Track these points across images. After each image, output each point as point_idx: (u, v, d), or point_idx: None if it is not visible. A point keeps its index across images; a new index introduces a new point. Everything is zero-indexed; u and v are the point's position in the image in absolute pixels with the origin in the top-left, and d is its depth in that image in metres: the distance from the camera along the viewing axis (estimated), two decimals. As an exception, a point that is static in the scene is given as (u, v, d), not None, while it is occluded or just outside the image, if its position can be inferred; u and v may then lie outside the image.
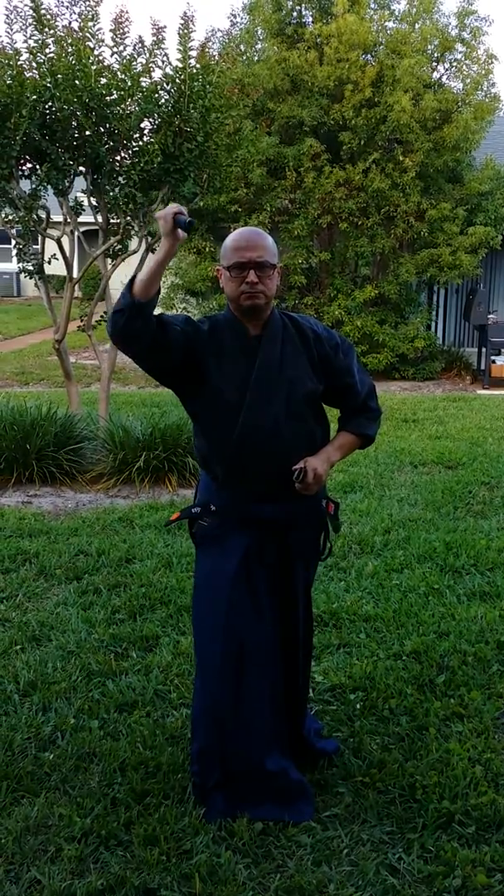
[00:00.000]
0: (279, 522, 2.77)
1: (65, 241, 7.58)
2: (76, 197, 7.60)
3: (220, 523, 2.80)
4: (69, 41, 6.87)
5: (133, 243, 8.11)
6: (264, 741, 2.79)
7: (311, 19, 13.13)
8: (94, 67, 6.83)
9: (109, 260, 7.82)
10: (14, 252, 7.74)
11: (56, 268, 8.05)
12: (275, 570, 2.82)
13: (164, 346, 2.61)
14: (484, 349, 12.81)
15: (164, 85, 7.07)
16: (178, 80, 7.01)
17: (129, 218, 7.45)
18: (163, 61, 7.10)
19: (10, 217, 7.55)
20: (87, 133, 6.95)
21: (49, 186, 7.22)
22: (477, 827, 2.74)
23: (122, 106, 6.95)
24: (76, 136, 7.05)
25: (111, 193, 7.27)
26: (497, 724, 3.35)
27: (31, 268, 7.47)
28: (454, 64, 13.34)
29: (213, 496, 2.83)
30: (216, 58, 7.67)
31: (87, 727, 3.27)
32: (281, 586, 2.84)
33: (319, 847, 2.65)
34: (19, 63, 6.81)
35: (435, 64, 13.34)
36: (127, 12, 7.03)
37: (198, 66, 7.09)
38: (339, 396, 2.88)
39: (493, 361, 12.49)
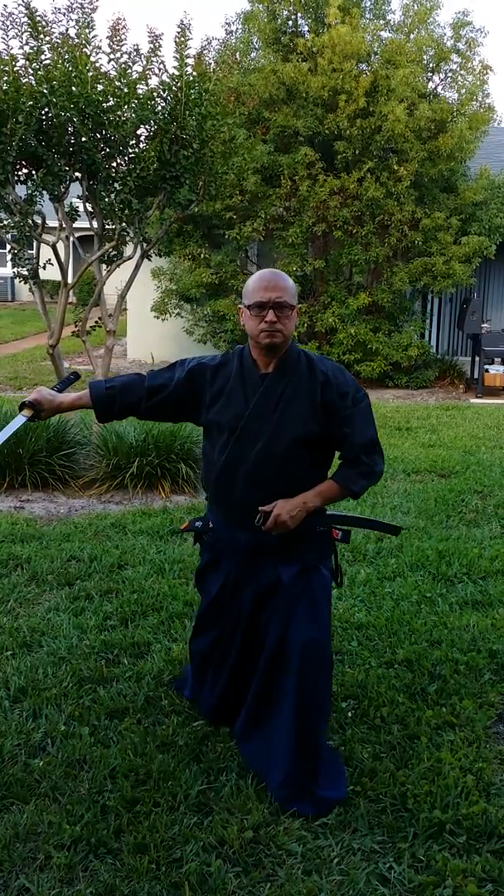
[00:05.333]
0: (256, 549, 2.93)
1: (60, 246, 7.58)
2: (72, 203, 7.61)
3: (215, 541, 3.06)
4: (65, 48, 6.89)
5: (128, 249, 8.12)
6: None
7: (306, 28, 13.17)
8: (90, 74, 6.84)
9: (104, 266, 7.82)
10: (9, 257, 7.73)
11: (51, 273, 8.05)
12: (252, 589, 2.97)
13: (153, 413, 3.01)
14: (477, 358, 12.84)
15: (161, 92, 7.09)
16: (174, 88, 7.02)
17: (124, 224, 7.46)
18: (159, 69, 7.12)
19: (6, 222, 7.54)
20: (83, 139, 6.96)
21: (45, 192, 7.22)
22: (468, 836, 2.74)
23: (119, 113, 6.96)
24: (72, 142, 7.05)
25: (107, 199, 7.27)
26: (489, 734, 3.35)
27: (25, 273, 7.46)
28: (449, 74, 13.39)
29: (211, 514, 3.08)
30: (212, 66, 7.68)
31: (78, 734, 3.26)
32: (259, 605, 2.97)
33: (310, 856, 2.64)
34: (15, 69, 6.82)
35: (430, 74, 13.40)
36: (124, 20, 7.05)
37: (194, 73, 7.11)
38: (336, 444, 2.92)
39: (487, 370, 12.52)
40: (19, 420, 2.99)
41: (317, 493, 2.86)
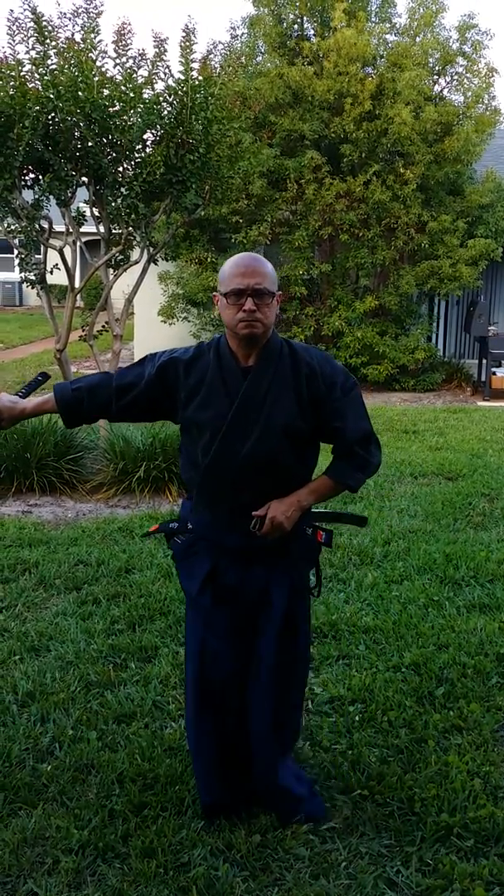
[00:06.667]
0: (245, 552, 2.72)
1: (67, 251, 7.60)
2: (78, 207, 7.63)
3: (191, 543, 2.79)
4: (71, 53, 6.91)
5: (135, 254, 8.13)
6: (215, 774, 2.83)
7: (312, 32, 13.19)
8: (96, 79, 6.85)
9: (111, 270, 7.84)
10: (16, 262, 7.76)
11: (58, 277, 8.06)
12: (243, 597, 2.74)
13: (125, 414, 2.79)
14: (484, 361, 12.82)
15: (167, 96, 7.10)
16: (180, 92, 7.04)
17: (131, 228, 7.48)
18: (165, 73, 7.13)
19: (13, 227, 7.56)
20: (90, 144, 6.98)
21: (51, 197, 7.24)
22: (475, 840, 2.73)
23: (125, 117, 6.97)
24: (79, 146, 7.07)
25: (113, 204, 7.29)
26: (496, 737, 3.34)
27: (33, 277, 7.48)
28: (455, 77, 13.38)
29: (190, 515, 2.82)
30: (218, 70, 7.70)
31: (86, 738, 3.27)
32: (250, 615, 2.76)
33: (317, 860, 2.64)
34: (22, 74, 6.84)
35: (436, 77, 13.39)
36: (129, 24, 7.07)
37: (200, 77, 7.12)
38: (328, 439, 2.75)
39: (494, 373, 12.50)
40: None
41: (310, 490, 2.70)
